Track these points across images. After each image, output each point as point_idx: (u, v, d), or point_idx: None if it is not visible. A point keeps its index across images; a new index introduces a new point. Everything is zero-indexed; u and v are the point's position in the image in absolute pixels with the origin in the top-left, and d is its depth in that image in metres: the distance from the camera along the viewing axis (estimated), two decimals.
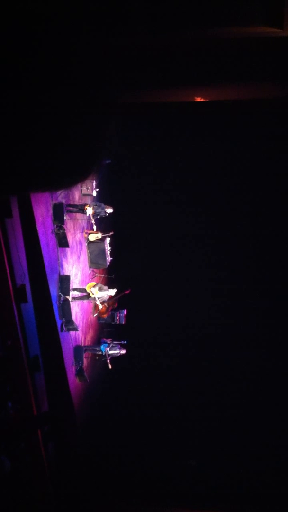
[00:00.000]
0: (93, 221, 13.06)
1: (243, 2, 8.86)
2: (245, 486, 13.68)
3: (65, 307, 11.74)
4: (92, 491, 12.51)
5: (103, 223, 14.88)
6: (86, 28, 8.28)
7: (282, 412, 15.55)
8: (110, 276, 14.90)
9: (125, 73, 10.04)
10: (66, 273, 12.27)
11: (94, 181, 13.70)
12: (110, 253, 13.89)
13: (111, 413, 15.89)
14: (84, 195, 13.60)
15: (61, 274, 11.98)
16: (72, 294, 12.25)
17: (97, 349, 13.03)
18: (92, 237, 13.46)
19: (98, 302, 12.60)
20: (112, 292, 12.72)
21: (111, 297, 13.06)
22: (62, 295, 11.75)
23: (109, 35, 8.93)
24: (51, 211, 11.52)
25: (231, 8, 8.96)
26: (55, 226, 11.66)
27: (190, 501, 13.44)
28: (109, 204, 13.43)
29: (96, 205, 12.82)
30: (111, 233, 13.93)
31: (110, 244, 13.92)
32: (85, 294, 12.67)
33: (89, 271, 14.32)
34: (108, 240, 13.78)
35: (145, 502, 13.18)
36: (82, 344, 13.35)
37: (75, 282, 12.95)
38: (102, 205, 12.98)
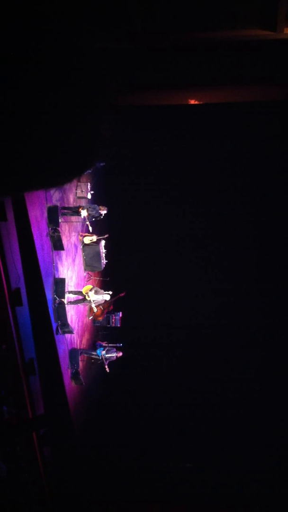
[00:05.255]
0: (88, 223, 13.05)
1: (236, 5, 8.90)
2: (245, 486, 13.67)
3: (61, 310, 11.74)
4: (92, 491, 12.50)
5: (98, 226, 14.88)
6: (86, 28, 8.32)
7: (282, 412, 15.53)
8: (105, 278, 14.89)
9: (122, 75, 10.08)
10: (61, 276, 12.27)
11: (89, 184, 13.70)
12: (105, 256, 13.87)
13: (111, 414, 15.88)
14: (79, 197, 13.60)
15: (56, 277, 11.98)
16: (67, 297, 12.25)
17: (93, 353, 13.02)
18: (87, 240, 13.45)
19: (93, 306, 12.59)
20: (108, 297, 12.74)
21: (106, 300, 13.06)
22: (57, 298, 11.75)
23: (108, 36, 8.98)
24: (46, 214, 11.53)
25: (225, 11, 9.00)
26: (50, 229, 11.66)
27: (190, 500, 13.44)
28: (104, 205, 13.42)
29: (90, 207, 12.82)
30: (106, 236, 13.92)
31: (105, 247, 13.91)
32: (80, 297, 12.67)
33: (84, 274, 14.32)
34: (103, 242, 13.77)
35: (145, 502, 13.17)
36: (78, 347, 13.34)
37: (70, 285, 12.94)
38: (96, 206, 12.98)
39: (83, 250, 13.70)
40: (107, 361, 12.95)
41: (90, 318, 13.93)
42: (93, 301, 12.47)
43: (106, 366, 12.95)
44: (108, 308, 14.12)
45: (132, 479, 13.66)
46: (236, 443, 15.13)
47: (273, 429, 15.12)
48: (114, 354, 12.96)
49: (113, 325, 14.55)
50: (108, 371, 13.06)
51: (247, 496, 13.42)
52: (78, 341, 13.67)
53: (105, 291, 12.89)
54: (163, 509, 13.12)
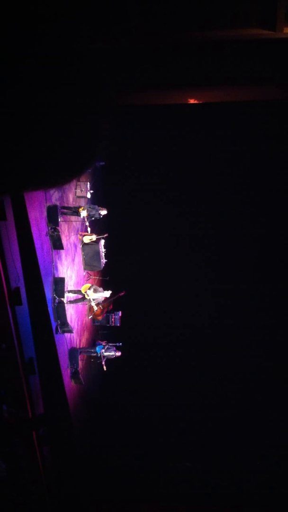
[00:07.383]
0: (87, 223, 13.07)
1: (236, 5, 8.92)
2: (245, 486, 13.67)
3: (60, 309, 11.74)
4: (92, 491, 12.51)
5: (97, 225, 14.88)
6: (85, 29, 8.35)
7: (282, 412, 15.54)
8: (105, 278, 14.89)
9: (121, 74, 10.09)
10: (61, 275, 12.27)
11: (88, 183, 13.70)
12: (105, 255, 13.87)
13: (111, 414, 15.89)
14: (78, 197, 13.60)
15: (56, 276, 11.97)
16: (67, 296, 12.24)
17: (92, 351, 13.01)
18: (86, 239, 13.44)
19: (93, 304, 12.59)
20: (107, 293, 12.72)
21: (106, 299, 13.06)
22: (56, 297, 11.74)
23: (107, 36, 9.00)
24: (45, 213, 11.52)
25: (225, 11, 9.02)
26: (50, 228, 11.65)
27: (190, 500, 13.44)
28: (103, 206, 13.43)
29: (90, 207, 12.82)
30: (105, 235, 13.92)
31: (105, 246, 13.90)
32: (80, 296, 12.66)
33: (84, 273, 14.32)
34: (102, 242, 13.76)
35: (145, 502, 13.17)
36: (77, 346, 13.34)
37: (69, 284, 12.94)
38: (96, 207, 12.98)
39: (83, 250, 13.69)
40: (105, 358, 12.95)
41: (89, 317, 13.92)
42: (93, 299, 12.47)
43: (104, 364, 12.94)
44: (108, 307, 14.11)
45: (132, 479, 13.66)
46: (236, 443, 15.12)
47: (273, 429, 15.12)
48: (113, 353, 12.95)
49: (113, 324, 14.55)
50: (105, 369, 13.05)
51: (247, 496, 13.41)
52: (78, 341, 13.67)
53: (104, 290, 12.88)
54: (163, 509, 13.11)
